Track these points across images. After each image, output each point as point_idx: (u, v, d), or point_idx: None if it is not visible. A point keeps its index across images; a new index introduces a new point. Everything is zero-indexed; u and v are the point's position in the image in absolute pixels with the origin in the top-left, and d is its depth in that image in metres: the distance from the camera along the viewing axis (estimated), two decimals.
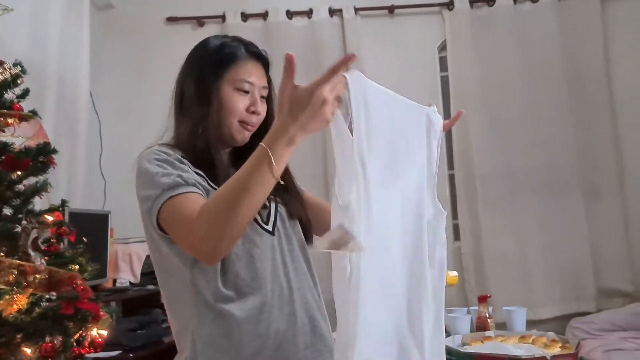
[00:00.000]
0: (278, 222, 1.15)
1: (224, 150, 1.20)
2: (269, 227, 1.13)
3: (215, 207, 0.97)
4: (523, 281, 3.37)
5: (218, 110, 1.14)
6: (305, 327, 1.10)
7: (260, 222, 1.12)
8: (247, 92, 1.16)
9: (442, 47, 3.60)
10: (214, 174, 1.11)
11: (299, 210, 1.20)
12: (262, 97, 1.19)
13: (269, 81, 1.21)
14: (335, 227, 0.85)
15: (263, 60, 1.21)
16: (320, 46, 3.46)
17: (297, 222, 1.21)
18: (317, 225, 1.23)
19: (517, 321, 2.25)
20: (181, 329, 1.10)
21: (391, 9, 3.55)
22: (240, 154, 1.16)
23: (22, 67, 1.67)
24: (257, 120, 1.18)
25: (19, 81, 1.66)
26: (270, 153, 0.93)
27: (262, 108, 1.18)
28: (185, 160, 1.10)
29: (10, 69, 1.62)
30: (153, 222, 1.05)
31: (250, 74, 1.17)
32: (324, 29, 3.50)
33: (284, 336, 1.07)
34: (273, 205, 1.16)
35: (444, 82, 3.58)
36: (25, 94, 1.69)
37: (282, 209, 1.17)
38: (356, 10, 3.51)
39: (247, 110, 1.16)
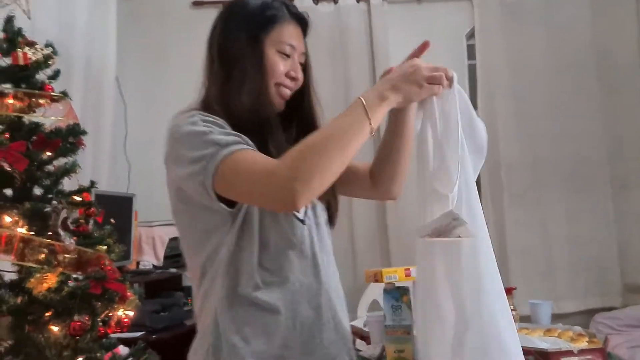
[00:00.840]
0: (309, 210, 1.11)
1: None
2: (301, 216, 1.08)
3: (306, 148, 0.93)
4: (547, 274, 3.32)
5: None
6: (330, 324, 1.07)
7: None
8: (288, 55, 1.10)
9: (470, 35, 3.53)
10: (261, 140, 1.03)
11: (329, 193, 1.12)
12: (300, 63, 1.13)
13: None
14: (444, 213, 0.84)
15: (303, 24, 1.14)
16: (347, 32, 3.41)
17: (324, 205, 1.16)
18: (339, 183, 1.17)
19: (542, 314, 2.20)
20: (206, 313, 1.06)
21: None
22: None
23: (53, 48, 1.68)
24: (294, 85, 1.12)
25: (50, 62, 1.68)
26: (364, 102, 0.96)
27: (300, 74, 1.13)
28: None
29: (42, 49, 1.62)
30: (208, 183, 0.95)
31: (293, 36, 1.11)
32: (350, 15, 3.44)
33: (310, 330, 1.05)
34: None
35: (471, 70, 3.51)
36: (56, 75, 1.71)
37: None
38: None
39: (286, 74, 1.10)
